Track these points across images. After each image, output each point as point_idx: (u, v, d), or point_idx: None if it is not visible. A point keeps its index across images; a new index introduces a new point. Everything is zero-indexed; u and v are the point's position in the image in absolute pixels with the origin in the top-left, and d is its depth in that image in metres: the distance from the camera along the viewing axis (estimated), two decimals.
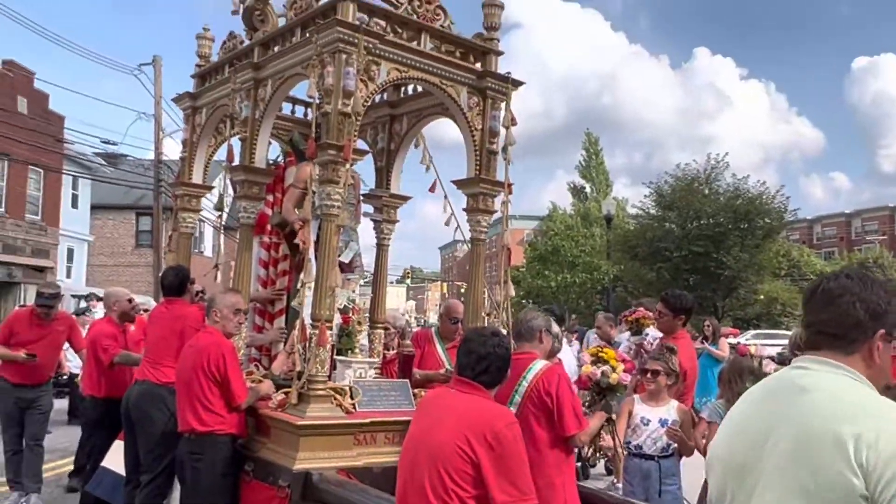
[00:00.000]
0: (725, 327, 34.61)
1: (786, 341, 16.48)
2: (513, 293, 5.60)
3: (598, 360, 4.85)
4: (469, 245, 5.77)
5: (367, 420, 4.52)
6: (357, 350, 5.47)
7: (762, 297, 32.28)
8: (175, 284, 5.61)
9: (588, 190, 51.39)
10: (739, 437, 1.85)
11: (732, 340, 29.43)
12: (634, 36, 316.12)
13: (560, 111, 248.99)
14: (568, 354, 6.86)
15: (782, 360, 7.07)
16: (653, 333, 6.02)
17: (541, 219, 50.03)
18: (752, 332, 35.93)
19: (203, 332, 4.87)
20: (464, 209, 5.55)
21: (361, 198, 6.14)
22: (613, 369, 4.75)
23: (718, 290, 28.70)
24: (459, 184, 5.53)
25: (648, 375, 5.17)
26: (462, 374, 2.90)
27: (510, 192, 5.57)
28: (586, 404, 4.78)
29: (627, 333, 6.01)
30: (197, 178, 6.59)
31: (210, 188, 7.01)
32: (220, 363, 4.55)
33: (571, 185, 52.77)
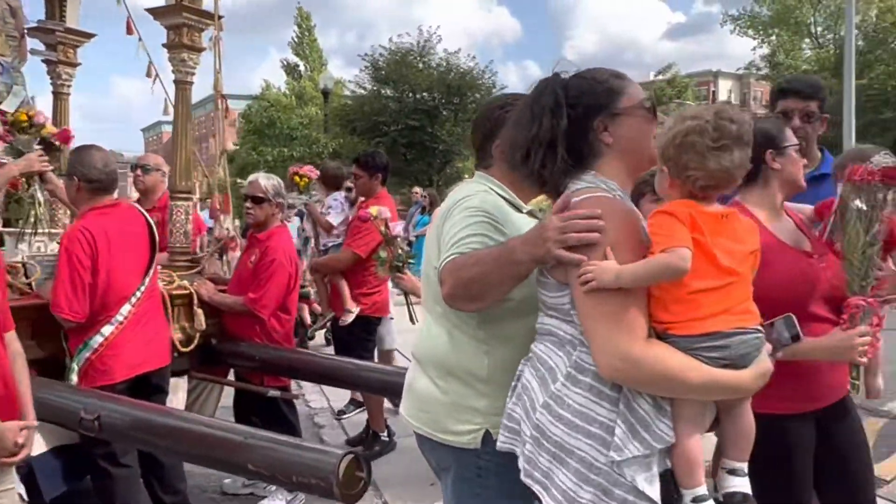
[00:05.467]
0: None
1: None
2: (231, 145, 4.85)
3: None
4: (171, 106, 4.80)
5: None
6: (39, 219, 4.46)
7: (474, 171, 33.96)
8: None
9: (302, 68, 49.63)
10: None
11: None
12: None
13: None
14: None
15: None
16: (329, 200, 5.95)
17: (254, 97, 47.47)
18: None
19: None
20: (163, 44, 4.60)
21: (26, 31, 4.88)
22: None
23: (434, 164, 29.42)
24: (156, 13, 4.56)
25: None
26: None
27: (221, 29, 4.77)
28: None
29: (295, 192, 5.86)
30: None
31: None
32: None
33: (284, 63, 50.60)
